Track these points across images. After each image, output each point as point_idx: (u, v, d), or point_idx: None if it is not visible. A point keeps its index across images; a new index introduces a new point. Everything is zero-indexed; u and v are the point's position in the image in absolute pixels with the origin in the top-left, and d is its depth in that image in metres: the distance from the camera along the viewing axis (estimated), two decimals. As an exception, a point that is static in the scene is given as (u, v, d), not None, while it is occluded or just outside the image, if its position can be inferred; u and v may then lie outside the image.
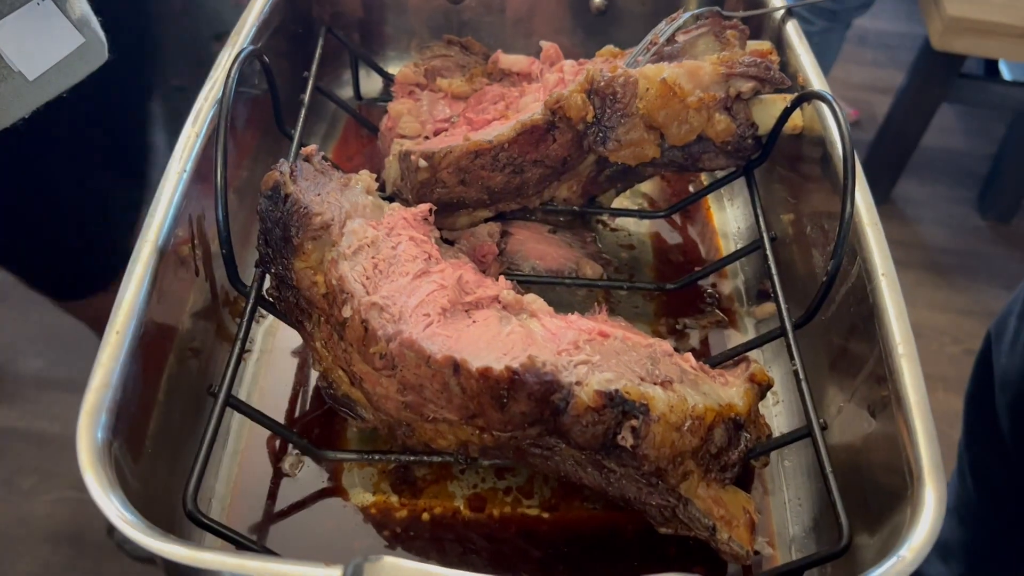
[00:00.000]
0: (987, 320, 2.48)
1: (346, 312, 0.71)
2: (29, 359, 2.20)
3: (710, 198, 1.11)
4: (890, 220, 2.80)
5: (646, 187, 1.12)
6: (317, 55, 1.02)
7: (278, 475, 0.80)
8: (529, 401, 0.67)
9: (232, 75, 0.75)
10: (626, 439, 0.66)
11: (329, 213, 0.75)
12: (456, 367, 0.68)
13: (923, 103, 2.54)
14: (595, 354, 0.72)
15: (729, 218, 1.10)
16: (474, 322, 0.75)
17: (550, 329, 0.76)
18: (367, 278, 0.73)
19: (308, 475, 0.80)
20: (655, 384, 0.70)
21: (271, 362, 0.89)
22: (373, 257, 0.75)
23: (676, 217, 1.07)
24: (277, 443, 0.82)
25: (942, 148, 3.04)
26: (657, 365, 0.74)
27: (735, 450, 0.73)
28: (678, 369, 0.75)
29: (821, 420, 0.71)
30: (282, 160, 0.76)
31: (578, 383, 0.67)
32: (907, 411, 0.65)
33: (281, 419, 0.85)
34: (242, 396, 0.86)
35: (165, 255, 0.73)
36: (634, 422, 0.66)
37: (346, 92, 1.18)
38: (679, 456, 0.69)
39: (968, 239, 2.76)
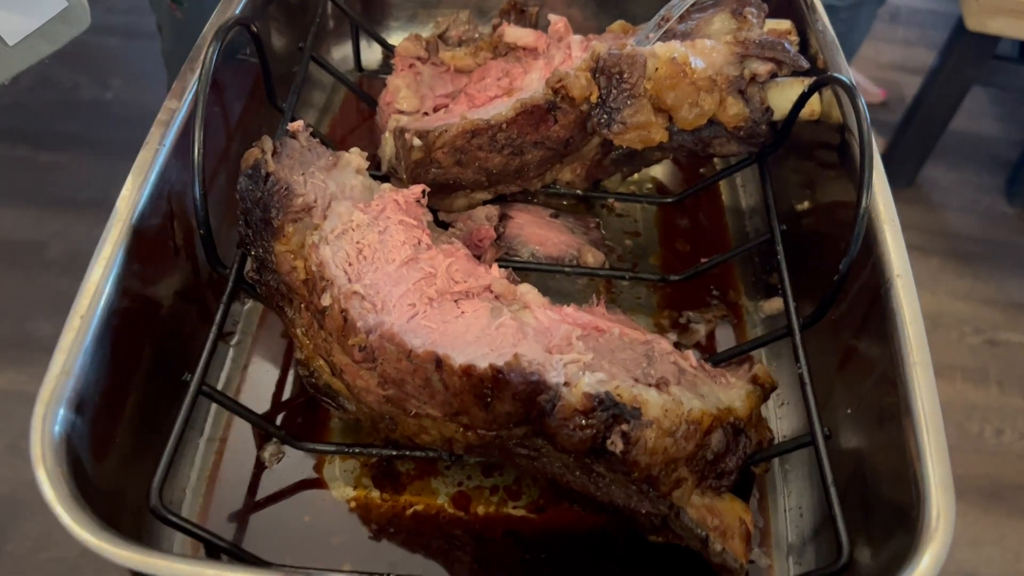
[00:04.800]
0: (1010, 310, 2.42)
1: (325, 300, 0.68)
2: (38, 323, 2.19)
3: (722, 183, 1.06)
4: (915, 205, 2.73)
5: (656, 171, 1.07)
6: (315, 24, 0.98)
7: (257, 465, 0.77)
8: (514, 401, 0.63)
9: (213, 47, 0.71)
10: (616, 444, 0.62)
11: (312, 194, 0.71)
12: (438, 362, 0.64)
13: (954, 85, 2.46)
14: (588, 351, 0.68)
15: (742, 205, 1.05)
16: (463, 313, 0.72)
17: (543, 322, 0.72)
18: (350, 264, 0.70)
19: (288, 466, 0.77)
20: (650, 386, 0.66)
21: (255, 346, 0.86)
22: (358, 242, 0.72)
23: (685, 203, 1.03)
24: (257, 431, 0.79)
25: (972, 132, 2.95)
26: (653, 364, 0.70)
27: (733, 456, 0.69)
28: (676, 369, 0.71)
29: (825, 429, 0.67)
30: (264, 137, 0.72)
31: (566, 384, 0.63)
32: (917, 424, 0.61)
33: (265, 406, 0.82)
34: (224, 382, 0.83)
35: (140, 234, 0.69)
36: (625, 426, 0.62)
37: (347, 63, 1.14)
38: (672, 463, 0.65)
39: (994, 227, 2.69)
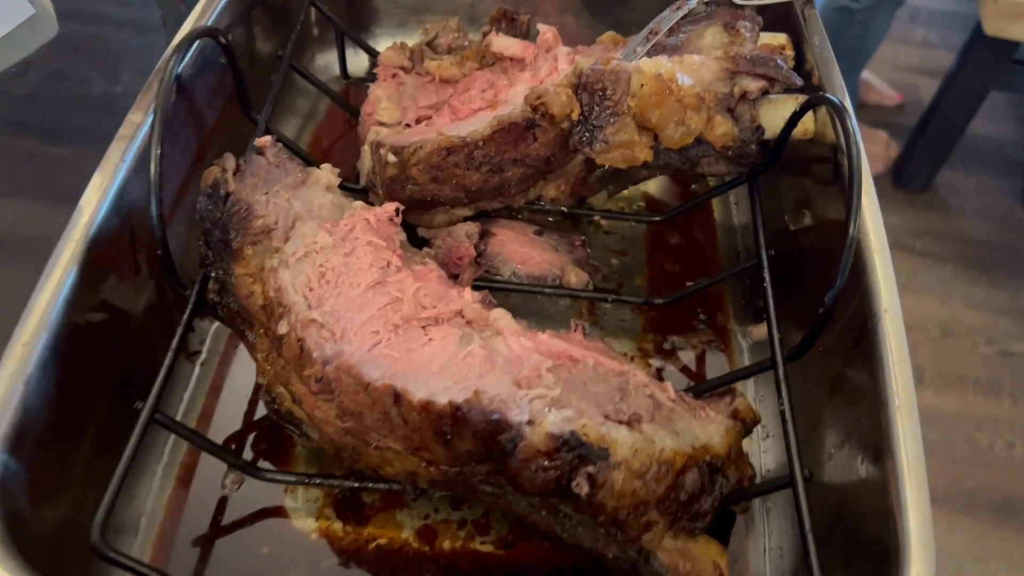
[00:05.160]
0: (1025, 321, 2.37)
1: (282, 328, 0.65)
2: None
3: (715, 200, 1.02)
4: (930, 210, 2.68)
5: (648, 185, 1.03)
6: (296, 30, 0.95)
7: (216, 492, 0.74)
8: (475, 440, 0.60)
9: (174, 59, 0.68)
10: (581, 487, 0.59)
11: (273, 215, 0.69)
12: (397, 397, 0.61)
13: (972, 89, 2.41)
14: (558, 384, 0.65)
15: (734, 223, 1.01)
16: (430, 340, 0.69)
17: (514, 351, 0.69)
18: (310, 289, 0.67)
19: (248, 494, 0.74)
20: (620, 423, 0.63)
21: (223, 366, 0.83)
22: (321, 265, 0.69)
23: (676, 219, 0.99)
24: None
25: (990, 136, 2.89)
26: (627, 398, 0.66)
27: (708, 497, 0.66)
28: (651, 403, 0.68)
29: (806, 471, 0.64)
30: (227, 154, 0.70)
31: (530, 422, 0.60)
32: (900, 474, 0.58)
33: (230, 429, 0.79)
34: (187, 403, 0.80)
35: (97, 254, 0.67)
36: (591, 468, 0.59)
37: (334, 70, 1.11)
38: (641, 506, 0.62)
39: (1011, 234, 2.63)
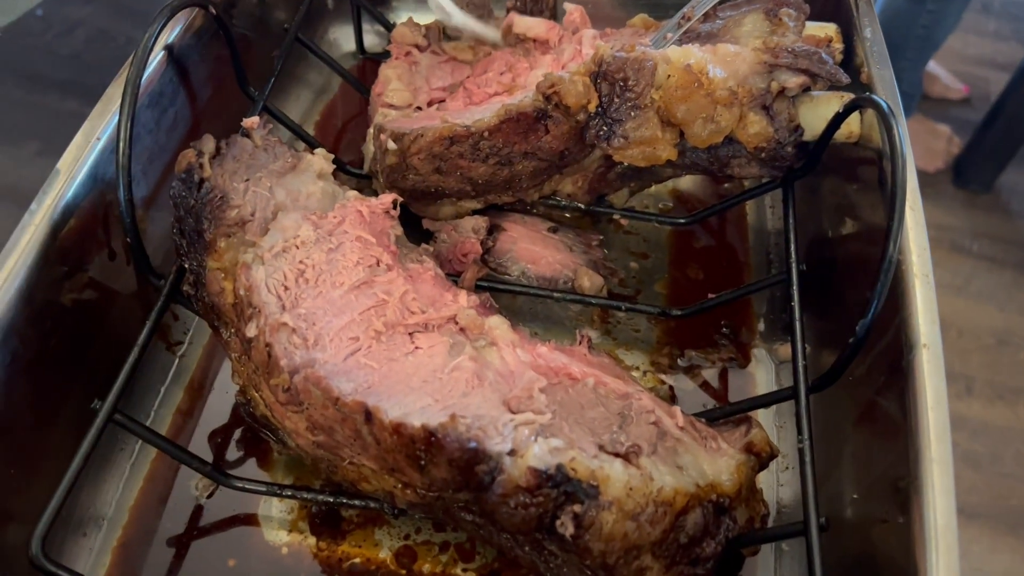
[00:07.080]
0: (1085, 336, 2.24)
1: (251, 331, 0.59)
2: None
3: (749, 202, 0.94)
4: (991, 212, 2.55)
5: (679, 179, 0.96)
6: (304, 2, 0.89)
7: (188, 495, 0.69)
8: (450, 468, 0.54)
9: (151, 30, 0.63)
10: (566, 527, 0.53)
11: (251, 205, 0.63)
12: (368, 415, 0.56)
13: (1044, 85, 2.28)
14: (549, 408, 0.59)
15: (768, 226, 0.93)
16: (416, 349, 0.63)
17: (508, 364, 0.63)
18: (286, 288, 0.61)
19: (221, 500, 0.69)
20: (616, 455, 0.57)
21: (204, 359, 0.78)
22: (301, 262, 0.63)
23: (706, 220, 0.91)
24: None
25: (1061, 137, 2.73)
26: (627, 427, 0.60)
27: (712, 541, 0.59)
28: (655, 431, 0.61)
29: (822, 519, 0.57)
30: (206, 136, 0.64)
31: (512, 452, 0.54)
32: (927, 535, 0.51)
33: (206, 428, 0.74)
34: (161, 398, 0.75)
35: (63, 239, 0.62)
36: (577, 507, 0.53)
37: (351, 44, 1.05)
38: (634, 549, 0.55)
39: (1077, 241, 2.49)
